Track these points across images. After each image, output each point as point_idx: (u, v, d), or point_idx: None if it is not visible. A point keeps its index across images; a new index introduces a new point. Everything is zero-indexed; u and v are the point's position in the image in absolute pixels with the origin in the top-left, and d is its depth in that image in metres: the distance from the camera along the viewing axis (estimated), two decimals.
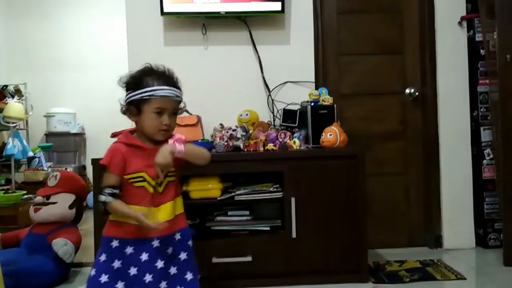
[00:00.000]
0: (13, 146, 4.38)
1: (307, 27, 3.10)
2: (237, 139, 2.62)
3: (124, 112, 1.70)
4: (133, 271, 1.62)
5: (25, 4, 5.33)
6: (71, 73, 5.16)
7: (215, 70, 3.07)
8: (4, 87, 4.58)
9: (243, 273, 2.45)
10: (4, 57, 5.19)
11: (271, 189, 2.53)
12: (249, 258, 2.44)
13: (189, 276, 1.70)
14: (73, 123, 5.29)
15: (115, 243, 1.64)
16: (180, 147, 1.62)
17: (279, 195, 2.51)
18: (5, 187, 4.19)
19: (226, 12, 2.92)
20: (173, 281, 1.67)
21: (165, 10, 2.90)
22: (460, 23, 3.11)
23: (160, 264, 1.65)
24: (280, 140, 2.64)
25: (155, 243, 1.66)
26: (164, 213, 1.68)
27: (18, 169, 4.73)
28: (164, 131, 1.67)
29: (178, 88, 1.73)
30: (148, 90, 1.62)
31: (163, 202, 1.69)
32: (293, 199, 2.46)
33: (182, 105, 1.76)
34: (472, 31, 3.11)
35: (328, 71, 3.17)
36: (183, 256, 1.71)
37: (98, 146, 3.05)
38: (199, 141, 2.74)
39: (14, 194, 3.85)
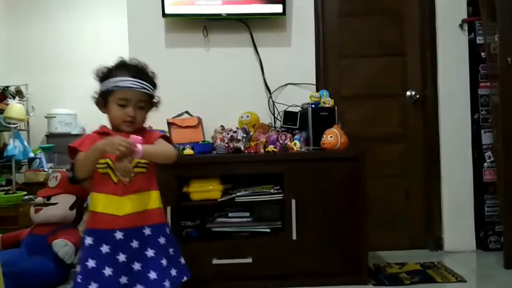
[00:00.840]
0: (14, 147, 4.38)
1: (308, 29, 3.10)
2: (238, 140, 2.63)
3: (96, 104, 1.73)
4: (91, 263, 1.57)
5: (26, 6, 5.35)
6: (72, 74, 5.16)
7: (216, 72, 3.07)
8: (5, 88, 4.59)
9: (244, 274, 2.45)
10: (6, 58, 5.20)
11: (272, 190, 2.53)
12: (249, 260, 2.44)
13: (152, 275, 1.61)
14: (74, 124, 5.30)
15: (85, 235, 1.64)
16: (137, 148, 1.56)
17: (279, 196, 2.51)
18: (6, 188, 4.19)
19: (228, 14, 2.92)
20: (134, 277, 1.61)
21: (166, 12, 2.91)
22: (461, 25, 3.11)
23: (122, 257, 1.59)
24: (281, 142, 2.65)
25: (118, 235, 1.60)
26: (130, 204, 1.63)
27: (19, 170, 4.73)
28: (129, 123, 1.67)
29: (147, 81, 1.72)
30: (112, 81, 1.65)
31: (129, 192, 1.63)
32: (293, 201, 2.46)
33: (156, 99, 1.79)
34: (473, 34, 3.11)
35: (329, 73, 3.17)
36: (150, 253, 1.64)
37: None
38: (200, 142, 2.74)
39: (15, 194, 3.85)
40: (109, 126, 1.75)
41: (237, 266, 2.43)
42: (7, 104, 4.50)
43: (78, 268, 1.62)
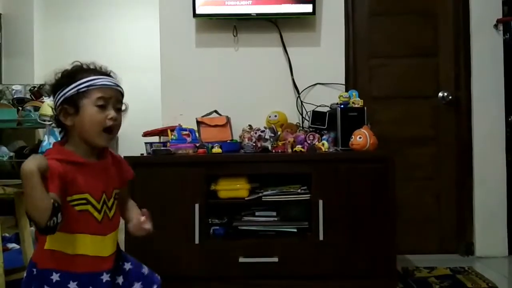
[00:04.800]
0: (48, 143, 4.49)
1: (338, 29, 3.09)
2: (266, 140, 2.63)
3: (57, 116, 1.38)
4: None
5: (62, 6, 5.49)
6: None
7: (245, 71, 3.09)
8: (41, 86, 4.72)
9: (270, 274, 2.45)
10: (41, 57, 5.35)
11: (299, 190, 2.53)
12: (275, 259, 2.44)
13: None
14: None
15: (55, 277, 1.33)
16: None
17: (306, 197, 2.50)
18: None
19: (257, 14, 2.94)
20: None
21: (197, 12, 2.94)
22: (496, 26, 3.04)
23: None
24: (309, 142, 2.64)
25: (105, 277, 1.40)
26: (111, 242, 1.44)
27: None
28: (108, 131, 1.38)
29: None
30: (85, 80, 1.36)
31: (113, 229, 1.44)
32: (320, 201, 2.45)
33: (123, 106, 1.46)
34: (508, 34, 3.03)
35: (359, 74, 3.14)
36: (137, 286, 1.52)
37: (130, 145, 3.11)
38: (228, 141, 2.76)
39: None
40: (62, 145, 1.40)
41: (263, 265, 2.44)
42: (42, 102, 4.63)
43: None
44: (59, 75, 1.41)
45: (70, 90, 1.36)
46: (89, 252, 1.36)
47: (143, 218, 1.48)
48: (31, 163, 1.16)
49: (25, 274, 1.37)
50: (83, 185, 1.33)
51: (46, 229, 1.18)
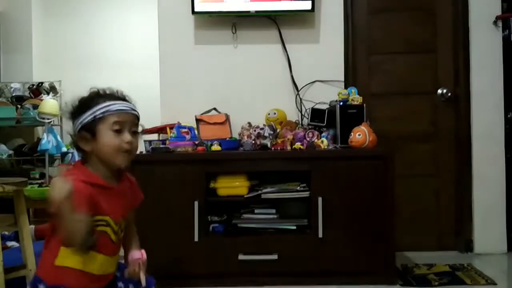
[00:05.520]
0: (47, 142, 4.49)
1: (337, 26, 3.08)
2: (265, 137, 2.63)
3: (76, 142, 1.44)
4: None
5: (60, 4, 5.47)
6: (105, 71, 5.25)
7: (244, 68, 3.09)
8: (40, 84, 4.71)
9: (269, 271, 2.46)
10: (40, 54, 5.33)
11: (298, 188, 2.53)
12: (275, 256, 2.45)
13: None
14: None
15: None
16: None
17: (306, 194, 2.50)
18: (40, 181, 4.30)
19: (256, 11, 2.93)
20: None
21: (196, 9, 2.93)
22: (495, 22, 3.03)
23: None
24: (308, 139, 2.64)
25: None
26: (117, 261, 1.50)
27: (52, 164, 4.84)
28: (125, 153, 1.41)
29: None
30: (101, 107, 1.40)
31: (119, 250, 1.49)
32: (320, 199, 2.45)
33: (140, 128, 1.49)
34: (507, 30, 3.03)
35: (358, 71, 3.14)
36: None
37: None
38: (227, 139, 2.76)
39: (48, 188, 3.96)
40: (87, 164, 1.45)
41: (262, 262, 2.44)
42: (41, 100, 4.62)
43: None
44: (77, 102, 1.45)
45: (87, 117, 1.40)
46: (96, 271, 1.39)
47: (137, 270, 1.48)
48: (62, 190, 1.21)
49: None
50: (105, 208, 1.38)
51: (81, 247, 1.30)
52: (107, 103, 1.41)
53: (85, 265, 1.38)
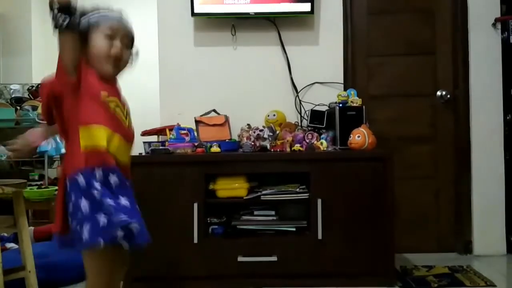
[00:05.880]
0: (46, 143, 4.50)
1: (337, 27, 3.09)
2: (264, 139, 2.63)
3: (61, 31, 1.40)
4: (123, 200, 1.42)
5: None
6: None
7: (243, 70, 3.09)
8: (39, 86, 4.72)
9: (268, 272, 2.46)
10: (40, 56, 5.34)
11: (297, 189, 2.53)
12: (274, 258, 2.45)
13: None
14: None
15: (98, 172, 1.41)
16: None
17: (305, 196, 2.50)
18: (39, 183, 4.30)
19: (256, 13, 2.93)
20: None
21: (195, 11, 2.94)
22: (494, 24, 3.04)
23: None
24: (307, 141, 2.64)
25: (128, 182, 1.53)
26: (130, 152, 1.58)
27: (51, 165, 4.84)
28: (114, 60, 1.49)
29: None
30: (97, 14, 1.49)
31: (132, 139, 1.57)
32: (319, 201, 2.45)
33: (134, 50, 1.60)
34: (506, 33, 3.03)
35: (357, 72, 3.14)
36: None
37: None
38: (227, 140, 2.76)
39: (47, 189, 3.96)
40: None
41: (262, 264, 2.44)
42: (40, 101, 4.63)
43: (105, 205, 1.37)
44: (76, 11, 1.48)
45: (85, 21, 1.46)
46: (119, 156, 1.46)
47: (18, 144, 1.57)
48: None
49: (69, 188, 1.41)
50: (113, 93, 1.50)
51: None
52: (103, 13, 1.51)
53: (118, 150, 1.46)
